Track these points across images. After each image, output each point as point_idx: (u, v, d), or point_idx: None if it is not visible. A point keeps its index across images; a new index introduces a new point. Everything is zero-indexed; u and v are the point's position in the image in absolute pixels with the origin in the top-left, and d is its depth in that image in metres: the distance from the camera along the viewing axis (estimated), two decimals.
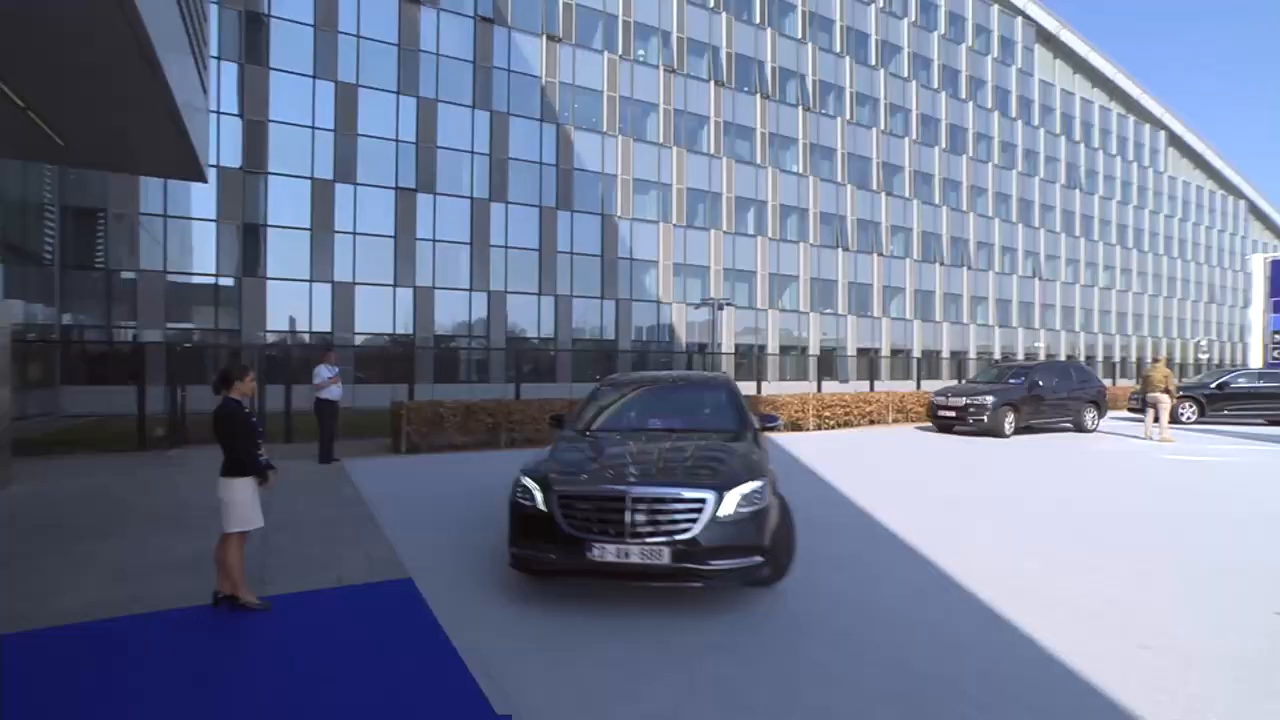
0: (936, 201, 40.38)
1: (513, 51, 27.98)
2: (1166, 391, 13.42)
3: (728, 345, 31.83)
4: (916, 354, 37.44)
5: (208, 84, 10.18)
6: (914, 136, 39.61)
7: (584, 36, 29.60)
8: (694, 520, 3.85)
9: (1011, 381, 14.75)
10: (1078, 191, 48.37)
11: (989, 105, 43.58)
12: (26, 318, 17.13)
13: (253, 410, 4.26)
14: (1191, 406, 16.95)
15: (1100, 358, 48.12)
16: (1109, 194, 50.86)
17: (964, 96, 42.26)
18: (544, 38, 28.55)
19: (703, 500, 3.90)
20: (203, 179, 10.91)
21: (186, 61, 7.58)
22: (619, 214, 30.06)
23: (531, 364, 27.18)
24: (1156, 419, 13.47)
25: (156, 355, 14.65)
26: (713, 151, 32.60)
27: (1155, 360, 14.65)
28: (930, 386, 19.18)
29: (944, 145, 40.92)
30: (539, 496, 4.12)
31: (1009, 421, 13.84)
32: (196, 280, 23.30)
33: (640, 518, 3.84)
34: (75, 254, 21.01)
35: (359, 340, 25.13)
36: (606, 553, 3.81)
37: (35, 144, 8.36)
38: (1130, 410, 18.94)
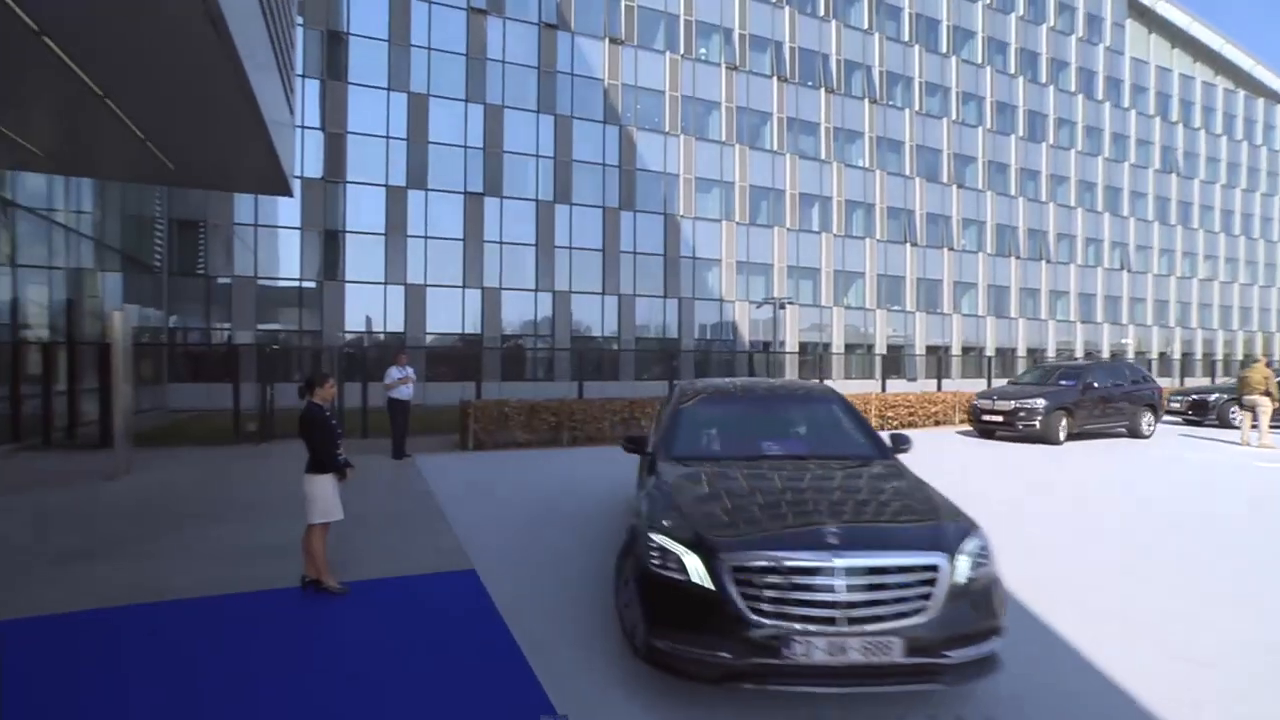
0: (1012, 193, 38.54)
1: (576, 56, 28.54)
2: (1267, 394, 12.54)
3: (792, 343, 31.51)
4: (989, 352, 35.94)
5: (294, 104, 11.01)
6: (988, 125, 37.91)
7: (645, 37, 29.86)
8: (926, 596, 2.93)
9: (1063, 383, 13.57)
10: (1174, 176, 45.07)
11: (1072, 88, 41.19)
12: (140, 320, 18.90)
13: (333, 413, 4.70)
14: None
15: (1199, 355, 44.80)
16: (1212, 177, 47.10)
17: (1044, 80, 40.12)
18: (606, 41, 28.97)
19: (934, 567, 2.98)
20: (289, 193, 11.82)
21: (277, 90, 8.28)
22: (681, 213, 30.20)
23: (595, 363, 27.73)
24: (1255, 424, 12.62)
25: (248, 354, 15.92)
26: (776, 148, 32.25)
27: (1254, 359, 13.69)
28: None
29: (1021, 133, 38.99)
30: (695, 565, 3.04)
31: (1062, 427, 12.77)
32: (283, 284, 24.96)
33: (857, 596, 2.89)
34: (180, 262, 22.95)
35: (430, 339, 26.29)
36: (814, 649, 2.81)
37: (150, 169, 9.34)
38: (1168, 412, 17.75)
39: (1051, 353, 38.71)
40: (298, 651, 3.71)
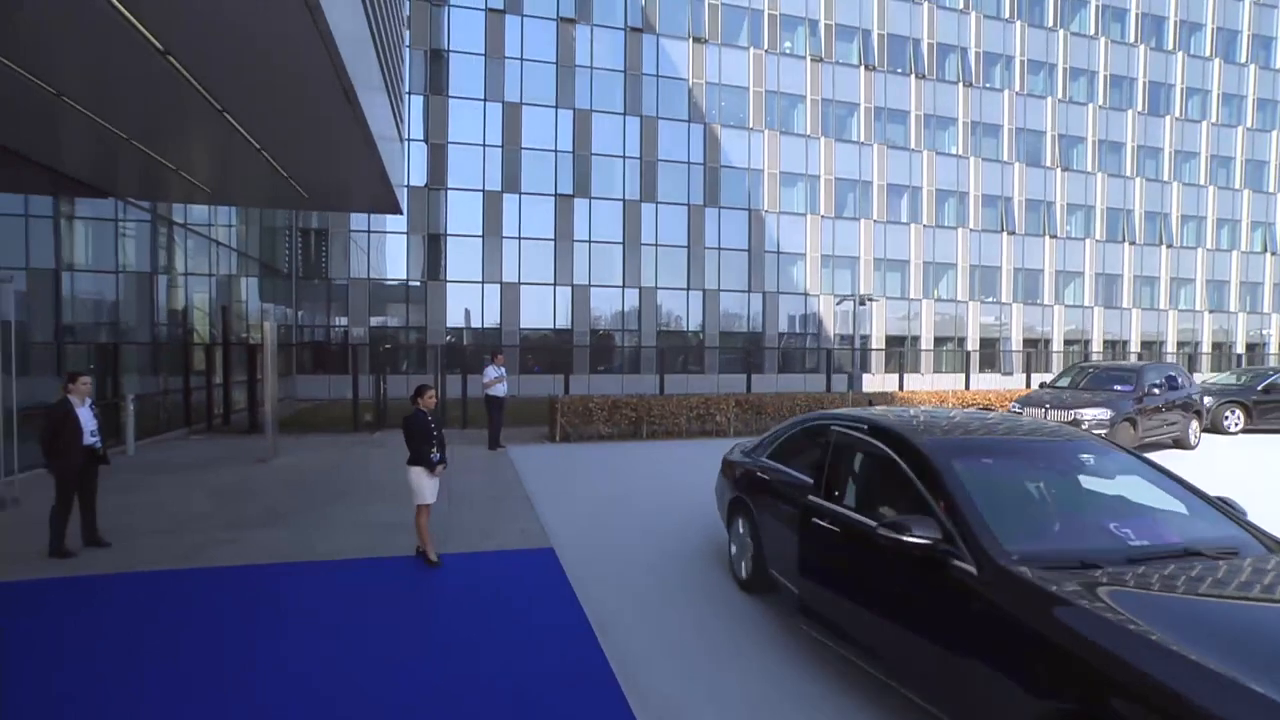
0: (1127, 173, 35.75)
1: (661, 57, 29.23)
2: None
3: (879, 337, 31.04)
4: (1096, 346, 33.74)
5: (402, 129, 12.45)
6: (1099, 101, 35.30)
7: (729, 35, 30.07)
8: None
9: (1117, 388, 11.77)
10: None
11: (1206, 53, 37.44)
12: (276, 319, 21.54)
13: (433, 418, 5.73)
14: (1237, 412, 14.28)
15: None
16: None
17: (1170, 47, 36.76)
18: (690, 40, 29.46)
19: None
20: (399, 211, 13.32)
21: (389, 123, 9.57)
22: (766, 208, 30.34)
23: (680, 357, 28.56)
24: None
25: (363, 351, 17.90)
26: (863, 139, 31.64)
27: None
28: None
29: (1140, 107, 36.00)
30: None
31: (1128, 441, 10.72)
32: (391, 284, 27.42)
33: None
34: (305, 266, 25.72)
35: (523, 334, 27.98)
36: None
37: (288, 197, 10.99)
38: None
39: (1171, 346, 35.80)
40: (409, 603, 4.77)
